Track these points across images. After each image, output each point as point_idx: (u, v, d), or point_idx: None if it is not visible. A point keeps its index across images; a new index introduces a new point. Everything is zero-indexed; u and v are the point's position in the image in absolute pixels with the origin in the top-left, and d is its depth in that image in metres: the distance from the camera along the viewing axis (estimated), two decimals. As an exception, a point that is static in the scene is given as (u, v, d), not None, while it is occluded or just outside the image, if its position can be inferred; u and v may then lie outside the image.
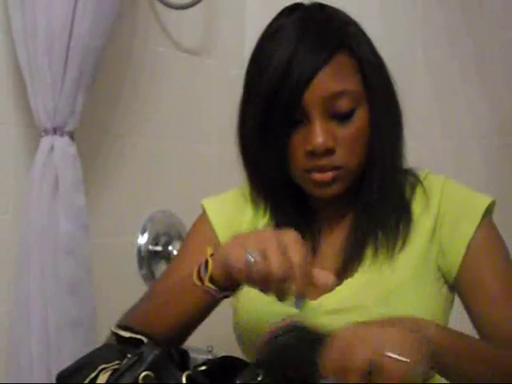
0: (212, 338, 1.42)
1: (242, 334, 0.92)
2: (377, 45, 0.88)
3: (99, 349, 0.74)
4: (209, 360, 0.75)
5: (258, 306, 0.89)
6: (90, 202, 1.31)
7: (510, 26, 1.53)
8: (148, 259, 1.58)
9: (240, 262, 0.68)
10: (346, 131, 0.83)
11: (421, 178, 0.91)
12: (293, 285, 0.67)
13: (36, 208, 1.20)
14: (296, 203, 0.92)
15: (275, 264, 0.66)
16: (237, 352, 0.89)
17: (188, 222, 1.62)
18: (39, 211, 1.20)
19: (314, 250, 0.91)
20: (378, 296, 0.83)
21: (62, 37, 1.17)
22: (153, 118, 1.59)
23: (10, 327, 1.22)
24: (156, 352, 0.68)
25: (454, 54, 1.60)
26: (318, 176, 0.84)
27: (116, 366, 0.68)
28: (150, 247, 1.58)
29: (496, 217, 0.90)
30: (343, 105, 0.82)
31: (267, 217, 0.95)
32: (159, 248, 1.59)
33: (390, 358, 0.57)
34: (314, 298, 0.86)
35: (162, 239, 1.60)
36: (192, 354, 0.80)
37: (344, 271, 0.87)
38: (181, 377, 0.68)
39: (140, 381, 0.65)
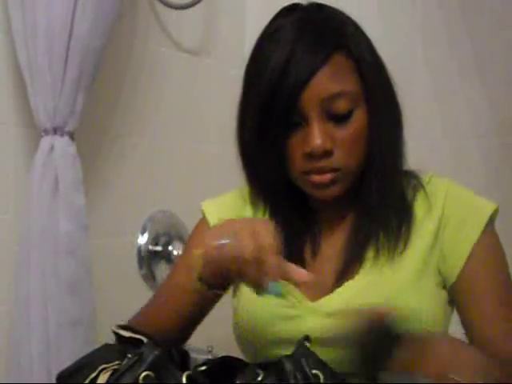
0: (212, 339, 1.42)
1: (241, 335, 0.92)
2: (376, 45, 0.88)
3: (99, 349, 0.74)
4: (209, 360, 0.75)
5: (257, 307, 0.89)
6: (90, 202, 1.31)
7: (510, 26, 1.53)
8: (148, 259, 1.58)
9: (214, 246, 0.70)
10: (344, 132, 0.83)
11: (424, 181, 0.90)
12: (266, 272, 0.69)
13: (36, 208, 1.20)
14: (296, 204, 0.92)
15: (246, 246, 0.68)
16: (237, 352, 0.89)
17: (188, 222, 1.63)
18: (39, 211, 1.20)
19: (314, 251, 0.91)
20: (379, 299, 0.83)
21: (61, 37, 1.17)
22: (153, 117, 1.59)
23: (10, 327, 1.22)
24: (156, 352, 0.69)
25: (454, 54, 1.60)
26: (316, 178, 0.84)
27: (116, 366, 0.68)
28: (150, 247, 1.58)
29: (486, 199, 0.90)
30: (341, 106, 0.82)
31: (266, 218, 0.95)
32: (159, 248, 1.59)
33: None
34: (314, 300, 0.86)
35: (162, 239, 1.60)
36: (192, 354, 0.80)
37: (345, 272, 0.87)
38: (181, 377, 0.69)
39: (140, 381, 0.65)
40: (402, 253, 0.86)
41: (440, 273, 0.86)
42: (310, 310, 0.86)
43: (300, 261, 0.90)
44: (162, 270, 1.60)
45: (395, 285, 0.84)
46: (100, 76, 1.29)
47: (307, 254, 0.91)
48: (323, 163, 0.83)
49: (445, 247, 0.86)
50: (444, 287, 0.86)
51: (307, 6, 0.87)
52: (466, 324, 0.85)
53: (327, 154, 0.82)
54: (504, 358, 0.80)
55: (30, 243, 1.20)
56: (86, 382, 0.69)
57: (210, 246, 0.71)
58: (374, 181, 0.86)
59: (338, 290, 0.86)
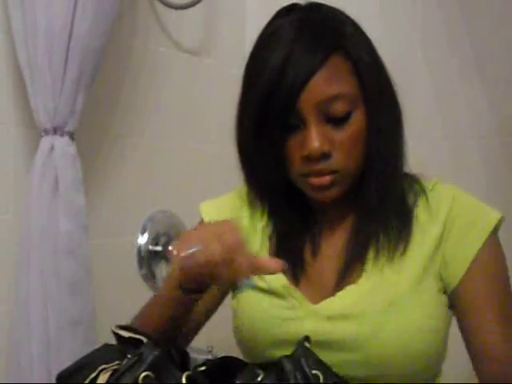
0: (212, 339, 1.42)
1: (241, 336, 0.92)
2: (376, 45, 0.87)
3: (99, 349, 0.74)
4: (209, 360, 0.75)
5: (257, 308, 0.89)
6: (90, 202, 1.31)
7: (510, 26, 1.53)
8: (148, 259, 1.58)
9: (184, 256, 0.72)
10: (342, 134, 0.82)
11: (428, 187, 0.90)
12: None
13: (36, 208, 1.20)
14: (295, 204, 0.92)
15: (214, 250, 0.71)
16: (237, 352, 0.89)
17: (188, 222, 1.63)
18: (39, 211, 1.20)
19: (314, 251, 0.91)
20: (381, 305, 0.82)
21: (61, 37, 1.17)
22: (153, 117, 1.59)
23: (10, 327, 1.22)
24: (156, 352, 0.68)
25: (454, 54, 1.60)
26: (315, 180, 0.84)
27: (116, 367, 0.68)
28: (150, 247, 1.58)
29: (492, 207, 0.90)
30: (339, 108, 0.81)
31: (265, 219, 0.95)
32: (159, 248, 1.59)
33: None
34: (315, 302, 0.86)
35: (162, 239, 1.60)
36: (192, 355, 0.80)
37: (346, 273, 0.86)
38: (181, 377, 0.69)
39: (140, 381, 0.65)
40: (402, 255, 0.85)
41: (441, 278, 0.85)
42: (309, 313, 0.85)
43: (300, 261, 0.90)
44: (162, 270, 1.60)
45: (397, 290, 0.83)
46: (100, 76, 1.29)
47: (307, 254, 0.91)
48: (321, 166, 0.82)
49: (447, 253, 0.85)
50: (445, 292, 0.86)
51: (306, 5, 0.86)
52: (464, 330, 0.85)
53: (325, 156, 0.82)
54: (502, 363, 0.80)
55: (30, 243, 1.20)
56: (86, 382, 0.69)
57: (182, 258, 0.73)
58: (373, 182, 0.86)
59: (340, 293, 0.85)
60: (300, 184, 0.87)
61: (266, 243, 0.94)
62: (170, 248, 0.80)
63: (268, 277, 0.89)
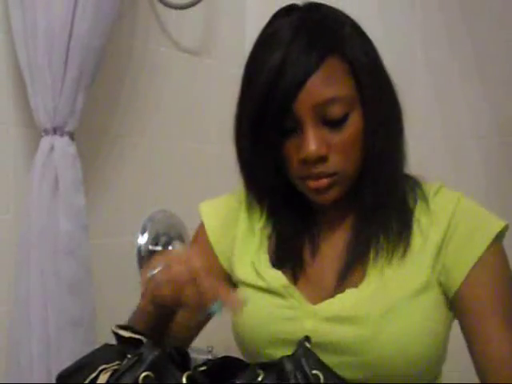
0: (212, 339, 1.42)
1: (240, 335, 0.92)
2: (376, 45, 0.87)
3: (99, 349, 0.74)
4: (209, 360, 0.75)
5: (256, 307, 0.88)
6: (90, 202, 1.31)
7: (510, 26, 1.53)
8: (148, 259, 1.58)
9: (148, 278, 0.73)
10: (339, 137, 0.82)
11: (431, 191, 0.88)
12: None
13: (36, 208, 1.20)
14: (295, 205, 0.91)
15: (177, 270, 0.71)
16: (237, 352, 0.89)
17: (188, 222, 1.64)
18: (39, 211, 1.20)
19: (313, 252, 0.91)
20: (381, 308, 0.82)
21: (61, 37, 1.17)
22: (153, 118, 1.59)
23: (10, 327, 1.22)
24: (156, 352, 0.68)
25: (454, 54, 1.60)
26: (312, 183, 0.83)
27: (116, 367, 0.68)
28: (150, 247, 1.58)
29: (496, 215, 0.89)
30: (335, 111, 0.81)
31: (263, 220, 0.95)
32: (159, 248, 1.59)
33: None
34: (314, 302, 0.86)
35: (162, 239, 1.60)
36: (192, 354, 0.80)
37: (346, 273, 0.86)
38: (181, 377, 0.68)
39: (140, 381, 0.65)
40: (402, 258, 0.84)
41: (442, 284, 0.84)
42: (308, 313, 0.85)
43: (299, 260, 0.90)
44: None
45: (397, 295, 0.82)
46: (100, 76, 1.29)
47: (307, 254, 0.91)
48: (319, 169, 0.82)
49: (448, 259, 0.84)
50: (446, 297, 0.85)
51: (305, 6, 0.86)
52: (466, 335, 0.84)
53: (322, 159, 0.82)
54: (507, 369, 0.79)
55: (30, 243, 1.20)
56: (86, 382, 0.69)
57: (144, 279, 0.74)
58: (372, 183, 0.85)
59: (340, 295, 0.84)
60: (299, 186, 0.87)
61: (265, 243, 0.94)
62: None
63: (268, 276, 0.89)
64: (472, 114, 1.58)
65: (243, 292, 0.92)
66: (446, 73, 1.62)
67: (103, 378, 0.68)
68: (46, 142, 1.22)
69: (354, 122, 0.82)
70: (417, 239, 0.86)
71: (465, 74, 1.58)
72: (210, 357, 1.45)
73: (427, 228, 0.86)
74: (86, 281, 1.25)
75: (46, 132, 1.22)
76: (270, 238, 0.94)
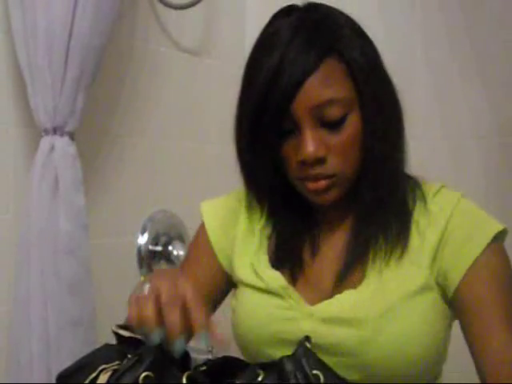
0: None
1: (239, 334, 0.92)
2: (376, 45, 0.87)
3: (99, 349, 0.74)
4: (209, 360, 0.75)
5: (255, 307, 0.89)
6: (90, 202, 1.31)
7: (510, 26, 1.53)
8: (148, 259, 1.58)
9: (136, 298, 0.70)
10: (337, 138, 0.82)
11: (431, 192, 0.88)
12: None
13: (36, 208, 1.20)
14: (295, 205, 0.91)
15: (161, 284, 0.68)
16: (237, 352, 0.89)
17: (188, 222, 1.64)
18: (39, 211, 1.20)
19: (313, 252, 0.91)
20: (379, 310, 0.81)
21: (61, 37, 1.17)
22: (153, 117, 1.59)
23: (10, 326, 1.22)
24: (156, 352, 0.68)
25: (454, 54, 1.60)
26: (311, 185, 0.83)
27: (116, 367, 0.68)
28: (150, 247, 1.58)
29: (495, 215, 0.88)
30: (333, 113, 0.80)
31: (263, 220, 0.95)
32: (159, 248, 1.59)
33: None
34: (313, 303, 0.86)
35: (162, 239, 1.60)
36: (192, 354, 0.80)
37: (345, 275, 0.85)
38: (181, 377, 0.68)
39: (140, 381, 0.65)
40: (400, 259, 0.84)
41: (440, 284, 0.84)
42: (306, 314, 0.85)
43: (299, 261, 0.90)
44: (162, 270, 1.60)
45: (395, 297, 0.82)
46: (100, 76, 1.29)
47: (306, 255, 0.91)
48: (317, 170, 0.82)
49: (445, 261, 0.83)
50: (445, 298, 0.84)
51: (304, 6, 0.86)
52: (467, 334, 0.83)
53: (320, 161, 0.81)
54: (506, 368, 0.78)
55: (30, 243, 1.20)
56: (86, 382, 0.69)
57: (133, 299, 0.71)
58: (371, 183, 0.85)
59: (338, 296, 0.84)
60: (297, 187, 0.87)
61: (265, 243, 0.94)
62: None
63: (266, 277, 0.89)
64: (472, 114, 1.58)
65: (243, 292, 0.93)
66: (446, 73, 1.62)
67: (103, 377, 0.68)
68: (45, 142, 1.22)
69: (353, 123, 0.82)
70: (415, 240, 0.85)
71: (465, 74, 1.58)
72: (210, 357, 1.45)
73: (425, 229, 0.85)
74: (85, 281, 1.25)
75: (46, 132, 1.22)
76: (269, 238, 0.94)
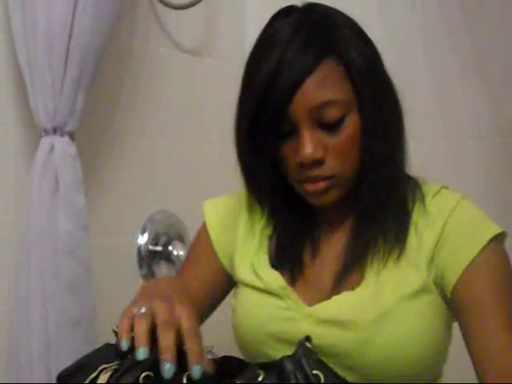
0: (212, 339, 1.42)
1: (239, 334, 0.92)
2: (376, 45, 0.87)
3: (100, 349, 0.73)
4: (209, 360, 0.75)
5: (255, 307, 0.89)
6: (90, 202, 1.31)
7: (510, 26, 1.53)
8: (148, 259, 1.58)
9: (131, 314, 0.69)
10: (336, 140, 0.81)
11: (431, 193, 0.88)
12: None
13: (36, 208, 1.20)
14: (295, 206, 0.91)
15: (161, 309, 0.68)
16: (237, 352, 0.89)
17: (188, 222, 1.64)
18: (39, 211, 1.20)
19: (313, 253, 0.91)
20: (377, 312, 0.81)
21: (61, 37, 1.17)
22: (153, 118, 1.59)
23: (10, 327, 1.22)
24: (156, 352, 0.68)
25: (454, 54, 1.60)
26: (310, 187, 0.83)
27: (116, 366, 0.68)
28: (150, 247, 1.58)
29: (496, 215, 0.88)
30: (331, 114, 0.80)
31: (264, 220, 0.95)
32: (159, 248, 1.59)
33: None
34: (311, 304, 0.86)
35: (162, 239, 1.60)
36: (192, 354, 0.79)
37: (343, 276, 0.85)
38: (181, 377, 0.68)
39: (140, 381, 0.65)
40: (398, 260, 0.84)
41: (438, 286, 0.83)
42: (304, 315, 0.85)
43: (299, 262, 0.90)
44: (162, 270, 1.60)
45: (393, 299, 0.82)
46: (100, 76, 1.29)
47: (307, 256, 0.91)
48: (316, 172, 0.82)
49: (442, 262, 0.83)
50: (444, 299, 0.84)
51: (303, 7, 0.86)
52: (465, 335, 0.82)
53: (318, 162, 0.81)
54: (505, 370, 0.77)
55: (30, 243, 1.20)
56: (87, 382, 0.69)
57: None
58: (371, 184, 0.84)
59: (336, 297, 0.84)
60: (297, 188, 0.87)
61: (265, 243, 0.94)
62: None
63: (266, 277, 0.89)
64: (472, 114, 1.58)
65: (243, 292, 0.93)
66: (446, 73, 1.62)
67: (103, 377, 0.68)
68: (45, 142, 1.22)
69: (351, 125, 0.82)
70: (413, 241, 0.85)
71: (465, 74, 1.58)
72: (210, 357, 1.45)
73: (423, 230, 0.85)
74: (85, 281, 1.25)
75: (46, 132, 1.22)
76: (270, 238, 0.94)
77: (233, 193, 1.01)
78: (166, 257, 1.60)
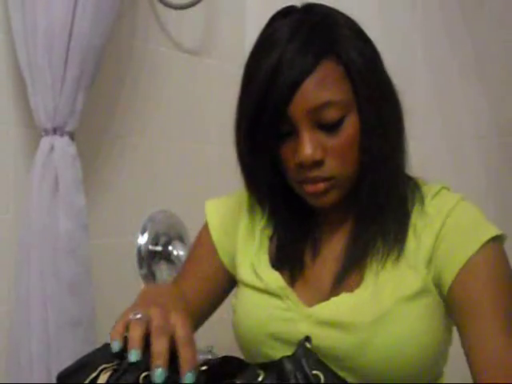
0: (212, 339, 1.42)
1: (239, 334, 0.92)
2: (376, 45, 0.87)
3: (100, 349, 0.73)
4: (209, 360, 0.75)
5: (255, 307, 0.89)
6: (90, 202, 1.31)
7: (510, 26, 1.53)
8: (148, 259, 1.58)
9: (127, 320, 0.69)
10: (335, 141, 0.81)
11: (430, 194, 0.87)
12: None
13: (36, 208, 1.20)
14: (296, 207, 0.91)
15: (156, 315, 0.68)
16: (237, 352, 0.89)
17: (188, 222, 1.64)
18: (39, 211, 1.20)
19: (314, 254, 0.91)
20: (375, 314, 0.81)
21: (61, 37, 1.17)
22: (153, 118, 1.59)
23: (10, 327, 1.22)
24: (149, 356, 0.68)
25: (454, 54, 1.60)
26: (309, 188, 0.83)
27: (116, 367, 0.68)
28: (150, 247, 1.58)
29: (495, 215, 0.88)
30: (330, 115, 0.80)
31: (264, 221, 0.95)
32: (159, 248, 1.59)
33: None
34: (310, 305, 0.86)
35: (162, 239, 1.60)
36: (192, 354, 0.79)
37: (343, 278, 0.85)
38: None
39: (140, 381, 0.65)
40: (397, 261, 0.83)
41: (436, 286, 0.83)
42: (303, 316, 0.85)
43: (299, 263, 0.90)
44: (162, 270, 1.60)
45: (391, 301, 0.81)
46: (100, 76, 1.29)
47: (307, 257, 0.91)
48: (315, 173, 0.82)
49: (439, 262, 0.82)
50: (442, 300, 0.84)
51: (303, 7, 0.85)
52: (461, 336, 0.82)
53: (318, 163, 0.81)
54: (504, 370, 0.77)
55: (30, 243, 1.20)
56: (87, 381, 0.69)
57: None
58: (371, 185, 0.84)
59: (334, 299, 0.84)
60: (297, 190, 0.87)
61: (266, 244, 0.94)
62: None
63: (266, 277, 0.89)
64: (472, 114, 1.58)
65: (243, 292, 0.93)
66: (446, 73, 1.62)
67: (103, 377, 0.68)
68: (45, 142, 1.22)
69: (351, 125, 0.82)
70: (411, 243, 0.85)
71: (465, 73, 1.59)
72: (210, 357, 1.45)
73: (421, 231, 0.85)
74: (85, 281, 1.25)
75: (46, 132, 1.22)
76: (271, 238, 0.94)
77: (234, 193, 1.01)
78: (166, 257, 1.60)
